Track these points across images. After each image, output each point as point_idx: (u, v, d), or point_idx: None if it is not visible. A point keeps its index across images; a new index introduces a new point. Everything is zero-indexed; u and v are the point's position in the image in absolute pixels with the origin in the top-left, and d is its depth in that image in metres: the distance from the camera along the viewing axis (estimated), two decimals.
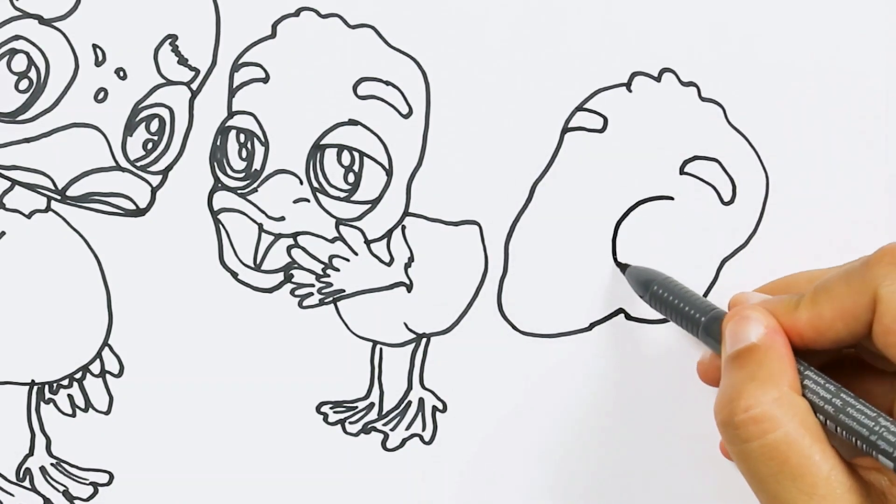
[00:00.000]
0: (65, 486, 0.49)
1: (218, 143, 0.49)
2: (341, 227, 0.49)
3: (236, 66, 0.49)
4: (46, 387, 0.49)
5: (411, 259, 0.50)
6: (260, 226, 0.49)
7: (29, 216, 0.49)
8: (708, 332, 0.45)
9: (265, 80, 0.49)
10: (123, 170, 0.48)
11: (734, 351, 0.42)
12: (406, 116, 0.49)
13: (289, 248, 0.49)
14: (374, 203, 0.49)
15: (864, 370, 0.44)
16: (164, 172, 0.49)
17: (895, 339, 0.40)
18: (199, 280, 0.49)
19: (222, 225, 0.49)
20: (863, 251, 0.49)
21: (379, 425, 0.50)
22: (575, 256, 0.50)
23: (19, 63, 0.48)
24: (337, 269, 0.49)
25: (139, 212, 0.49)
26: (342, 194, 0.49)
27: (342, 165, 0.49)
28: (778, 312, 0.42)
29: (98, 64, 0.48)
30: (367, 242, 0.49)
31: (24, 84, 0.48)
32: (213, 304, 0.49)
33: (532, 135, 0.49)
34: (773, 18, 0.50)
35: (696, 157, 0.50)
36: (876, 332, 0.40)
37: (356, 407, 0.50)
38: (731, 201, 0.50)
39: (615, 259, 0.49)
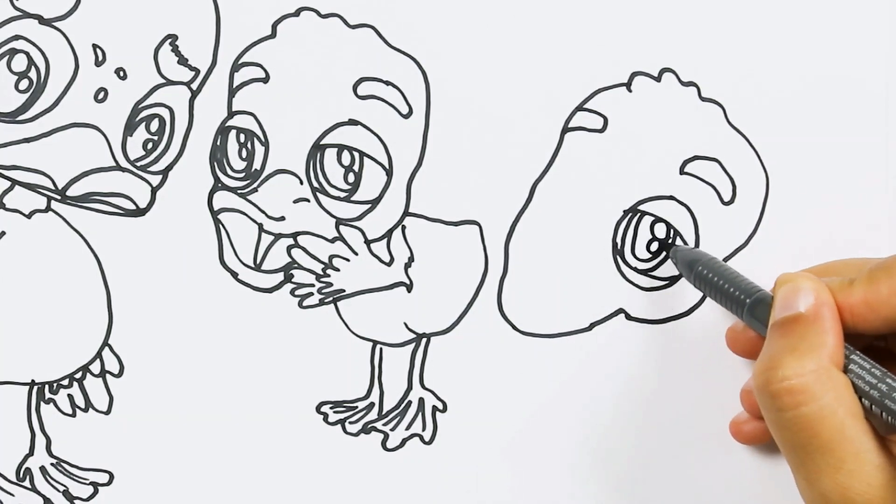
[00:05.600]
0: (65, 486, 0.49)
1: (218, 143, 0.49)
2: (341, 227, 0.49)
3: (236, 66, 0.49)
4: (46, 387, 0.49)
5: (411, 259, 0.50)
6: (260, 226, 0.49)
7: (29, 216, 0.49)
8: (753, 313, 0.45)
9: (265, 80, 0.49)
10: (123, 170, 0.48)
11: (781, 318, 0.42)
12: (406, 116, 0.49)
13: (289, 248, 0.49)
14: (374, 203, 0.49)
15: (892, 364, 0.44)
16: (164, 172, 0.49)
17: None
18: (199, 280, 0.49)
19: (222, 225, 0.49)
20: (863, 251, 0.49)
21: (379, 425, 0.50)
22: (575, 256, 0.50)
23: (19, 63, 0.48)
24: (337, 269, 0.49)
25: (139, 212, 0.49)
26: (342, 194, 0.49)
27: (342, 165, 0.49)
28: (832, 289, 0.42)
29: (98, 64, 0.48)
30: (367, 242, 0.49)
31: (24, 84, 0.48)
32: (213, 304, 0.49)
33: (532, 135, 0.49)
34: (773, 18, 0.50)
35: (696, 157, 0.50)
36: None
37: (356, 407, 0.50)
38: (731, 201, 0.50)
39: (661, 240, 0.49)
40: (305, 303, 0.50)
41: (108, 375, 0.49)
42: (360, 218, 0.49)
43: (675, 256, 0.49)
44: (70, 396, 0.49)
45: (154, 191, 0.49)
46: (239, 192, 0.49)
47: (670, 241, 0.49)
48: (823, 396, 0.40)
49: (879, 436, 0.41)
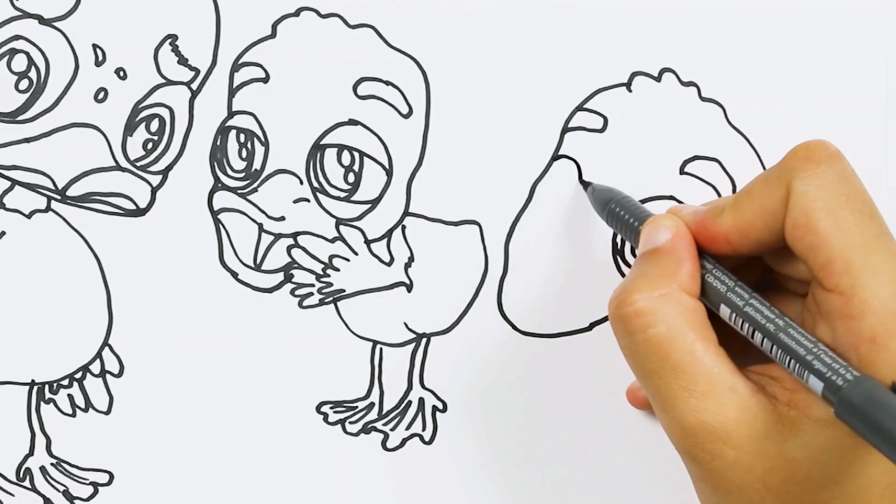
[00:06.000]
0: (65, 486, 0.49)
1: (218, 143, 0.49)
2: (341, 227, 0.49)
3: (236, 66, 0.49)
4: (46, 387, 0.49)
5: (411, 259, 0.50)
6: (260, 226, 0.49)
7: (29, 216, 0.49)
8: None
9: (265, 80, 0.49)
10: (123, 170, 0.49)
11: (641, 252, 0.43)
12: (406, 116, 0.49)
13: (289, 248, 0.49)
14: (374, 203, 0.49)
15: (781, 296, 0.44)
16: (164, 172, 0.49)
17: (801, 233, 0.40)
18: (199, 280, 0.49)
19: (222, 225, 0.49)
20: None
21: (379, 425, 0.50)
22: (575, 256, 0.50)
23: (19, 63, 0.48)
24: (337, 269, 0.49)
25: (139, 212, 0.49)
26: (342, 194, 0.49)
27: (342, 165, 0.49)
28: (706, 219, 0.43)
29: (98, 64, 0.48)
30: (367, 242, 0.49)
31: (24, 84, 0.48)
32: (213, 304, 0.49)
33: (532, 135, 0.49)
34: (773, 19, 0.50)
35: (696, 157, 0.50)
36: (786, 227, 0.41)
37: (356, 407, 0.50)
38: None
39: (580, 178, 0.49)
40: (305, 303, 0.50)
41: (108, 375, 0.49)
42: (360, 218, 0.49)
43: (591, 195, 0.49)
44: (70, 396, 0.49)
45: (154, 191, 0.49)
46: (239, 192, 0.49)
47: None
48: (672, 318, 0.41)
49: (736, 364, 0.41)
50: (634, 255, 0.49)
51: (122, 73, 0.48)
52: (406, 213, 0.49)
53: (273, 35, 0.49)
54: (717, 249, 0.43)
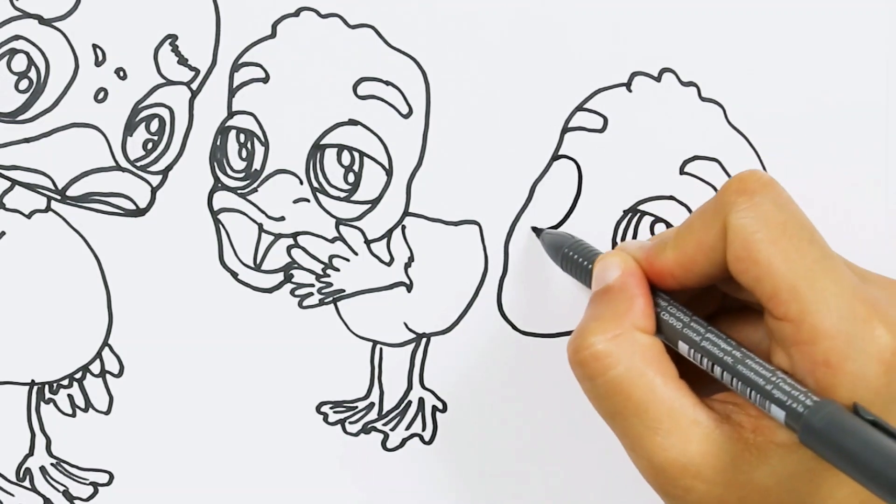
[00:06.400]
0: (65, 486, 0.49)
1: (218, 143, 0.49)
2: (341, 227, 0.49)
3: (236, 66, 0.49)
4: (46, 387, 0.49)
5: (411, 259, 0.50)
6: (260, 226, 0.49)
7: (29, 216, 0.49)
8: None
9: (265, 80, 0.49)
10: (123, 170, 0.49)
11: (593, 292, 0.43)
12: (406, 116, 0.49)
13: (289, 248, 0.49)
14: (374, 203, 0.49)
15: (746, 317, 0.44)
16: (164, 172, 0.49)
17: (744, 266, 0.40)
18: (199, 280, 0.49)
19: (222, 225, 0.49)
20: (862, 252, 0.49)
21: (379, 425, 0.50)
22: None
23: (19, 63, 0.48)
24: (337, 269, 0.49)
25: (139, 212, 0.49)
26: (342, 194, 0.49)
27: (342, 165, 0.49)
28: (650, 255, 0.43)
29: (98, 64, 0.48)
30: (367, 242, 0.49)
31: (24, 84, 0.48)
32: (213, 304, 0.49)
33: (532, 135, 0.49)
34: (773, 18, 0.50)
35: (696, 157, 0.50)
36: (729, 261, 0.40)
37: (356, 407, 0.50)
38: None
39: (533, 227, 0.49)
40: (305, 303, 0.50)
41: (108, 375, 0.49)
42: (360, 218, 0.49)
43: (543, 240, 0.49)
44: (70, 396, 0.49)
45: (154, 191, 0.49)
46: (239, 192, 0.49)
47: None
48: (629, 359, 0.41)
49: (698, 396, 0.41)
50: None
51: (122, 73, 0.48)
52: (406, 213, 0.49)
53: (273, 35, 0.49)
54: (665, 284, 0.43)
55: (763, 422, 0.40)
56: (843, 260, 0.43)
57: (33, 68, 0.48)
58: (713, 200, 0.41)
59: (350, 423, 0.50)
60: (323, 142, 0.49)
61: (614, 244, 0.50)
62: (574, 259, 0.46)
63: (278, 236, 0.49)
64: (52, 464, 0.49)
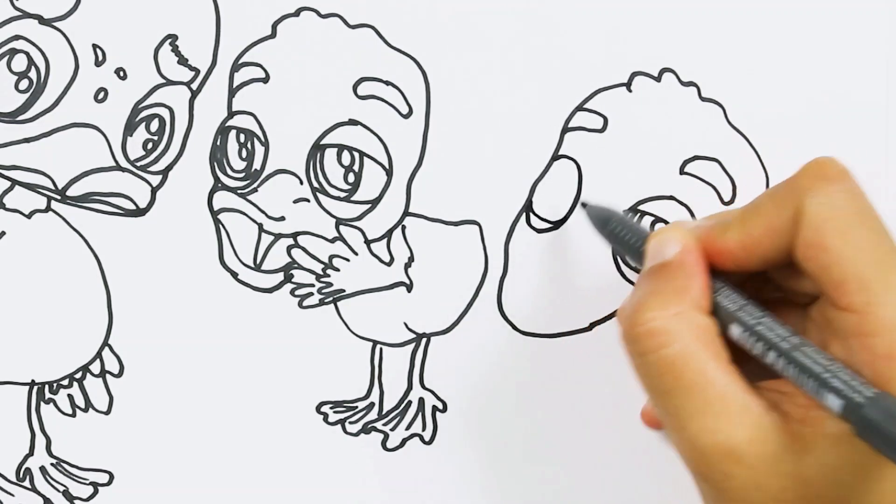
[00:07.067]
0: (65, 486, 0.49)
1: (218, 143, 0.49)
2: (341, 227, 0.49)
3: (236, 66, 0.49)
4: (46, 387, 0.49)
5: (411, 259, 0.50)
6: (260, 226, 0.49)
7: (29, 216, 0.49)
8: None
9: (265, 80, 0.49)
10: (123, 170, 0.49)
11: (649, 266, 0.43)
12: (406, 116, 0.49)
13: (289, 248, 0.49)
14: (374, 203, 0.49)
15: (779, 310, 0.44)
16: (164, 172, 0.49)
17: (813, 253, 0.40)
18: (199, 280, 0.49)
19: (222, 225, 0.49)
20: None
21: (379, 425, 0.50)
22: (575, 256, 0.50)
23: (19, 63, 0.48)
24: (337, 269, 0.49)
25: (139, 212, 0.49)
26: (342, 194, 0.49)
27: (342, 165, 0.49)
28: (712, 234, 0.42)
29: (98, 64, 0.48)
30: (367, 242, 0.49)
31: (24, 84, 0.48)
32: (213, 304, 0.49)
33: (532, 135, 0.49)
34: (773, 18, 0.50)
35: (696, 157, 0.50)
36: (797, 246, 0.40)
37: (356, 407, 0.50)
38: (731, 201, 0.50)
39: (582, 202, 0.49)
40: (305, 303, 0.50)
41: (108, 375, 0.49)
42: (360, 218, 0.49)
43: (590, 214, 0.48)
44: (70, 396, 0.49)
45: (154, 191, 0.49)
46: (239, 192, 0.49)
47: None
48: (685, 338, 0.40)
49: (748, 381, 0.40)
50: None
51: (122, 73, 0.48)
52: (406, 213, 0.49)
53: (273, 35, 0.49)
54: (722, 265, 0.42)
55: (812, 412, 0.40)
56: None
57: (33, 68, 0.48)
58: (787, 183, 0.41)
59: (350, 423, 0.50)
60: (323, 142, 0.49)
61: None
62: (622, 236, 0.45)
63: (278, 236, 0.49)
64: (52, 464, 0.49)
